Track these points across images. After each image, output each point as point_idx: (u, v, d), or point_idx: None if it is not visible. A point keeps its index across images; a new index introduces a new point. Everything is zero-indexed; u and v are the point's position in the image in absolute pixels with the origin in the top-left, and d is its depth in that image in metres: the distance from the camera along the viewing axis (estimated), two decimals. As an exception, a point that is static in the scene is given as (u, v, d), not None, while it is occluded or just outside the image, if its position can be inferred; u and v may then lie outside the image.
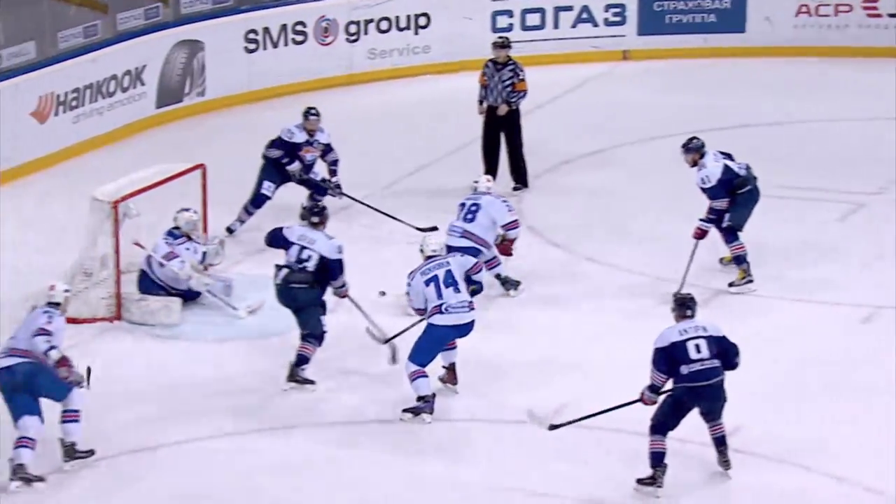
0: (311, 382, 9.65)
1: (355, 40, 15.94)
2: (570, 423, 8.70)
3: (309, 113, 11.93)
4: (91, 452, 8.79)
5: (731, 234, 10.76)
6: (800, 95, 15.42)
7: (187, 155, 12.21)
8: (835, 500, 8.51)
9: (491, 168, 12.92)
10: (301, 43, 15.65)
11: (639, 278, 11.20)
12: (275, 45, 15.53)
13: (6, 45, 13.37)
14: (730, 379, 8.54)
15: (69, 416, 8.71)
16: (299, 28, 15.65)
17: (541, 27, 16.45)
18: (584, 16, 16.53)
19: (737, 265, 10.80)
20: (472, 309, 9.34)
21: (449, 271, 9.32)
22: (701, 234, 10.72)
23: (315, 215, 9.77)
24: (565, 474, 8.63)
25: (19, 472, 8.52)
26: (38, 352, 8.62)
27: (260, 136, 14.39)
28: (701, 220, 10.73)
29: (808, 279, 11.15)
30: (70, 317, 10.25)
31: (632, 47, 16.67)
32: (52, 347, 8.63)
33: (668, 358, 8.37)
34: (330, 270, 9.59)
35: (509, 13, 16.31)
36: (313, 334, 9.63)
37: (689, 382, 8.38)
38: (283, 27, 15.55)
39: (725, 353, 8.45)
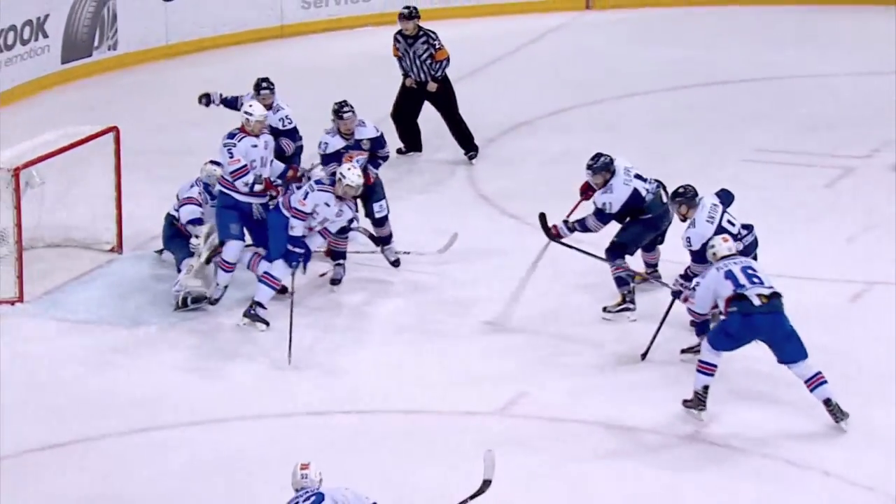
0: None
1: (288, -13, 15.85)
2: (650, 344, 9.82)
3: (341, 111, 11.06)
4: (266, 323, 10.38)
5: (615, 252, 10.43)
6: (785, 47, 15.66)
7: (98, 116, 12.34)
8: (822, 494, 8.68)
9: (413, 141, 12.94)
10: (226, -10, 15.48)
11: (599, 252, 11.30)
12: (196, -8, 15.42)
13: None
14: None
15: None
16: (224, -27, 15.67)
17: (494, -28, 16.50)
18: (543, -42, 16.70)
19: (616, 286, 10.47)
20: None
21: None
22: (557, 235, 10.52)
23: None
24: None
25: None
26: None
27: (179, 96, 14.44)
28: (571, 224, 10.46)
29: (792, 252, 11.24)
30: None
31: (596, -5, 16.61)
32: None
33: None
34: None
35: (458, -45, 16.45)
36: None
37: None
38: (206, -29, 15.51)
39: None
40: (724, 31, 16.11)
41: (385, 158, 11.17)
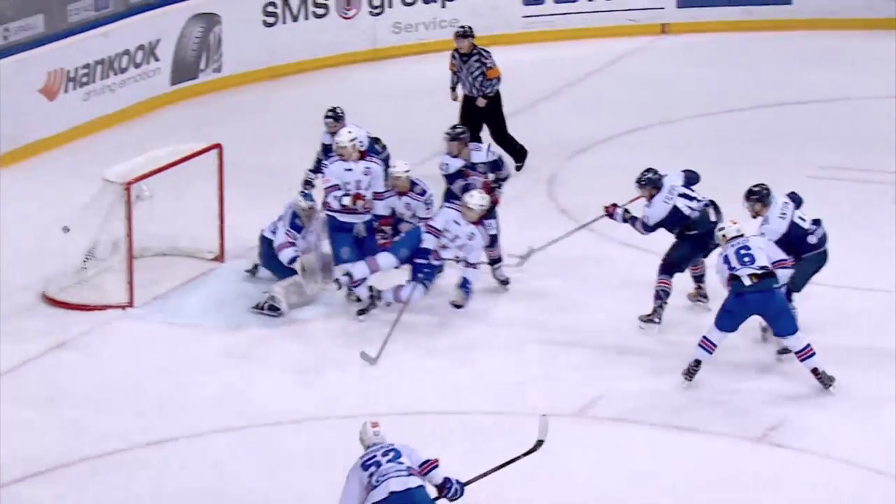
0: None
1: (379, 13, 16.02)
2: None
3: (447, 135, 11.05)
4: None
5: (665, 270, 10.40)
6: (848, 70, 15.45)
7: (203, 134, 12.29)
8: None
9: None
10: (322, 16, 15.77)
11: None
12: (294, 19, 15.63)
13: (14, 19, 13.53)
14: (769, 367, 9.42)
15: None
16: (320, 0, 15.71)
17: (574, -1, 16.45)
18: (621, -13, 16.68)
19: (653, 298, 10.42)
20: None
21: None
22: (611, 213, 10.56)
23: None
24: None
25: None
26: None
27: (279, 115, 14.50)
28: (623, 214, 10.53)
29: (859, 264, 11.10)
30: (79, 304, 10.70)
31: (671, 20, 16.78)
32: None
33: None
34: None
35: (542, -16, 16.47)
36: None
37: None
38: (304, -1, 15.62)
39: None
40: (789, 54, 15.90)
41: (504, 179, 11.12)
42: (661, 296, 10.39)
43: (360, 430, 7.67)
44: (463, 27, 13.08)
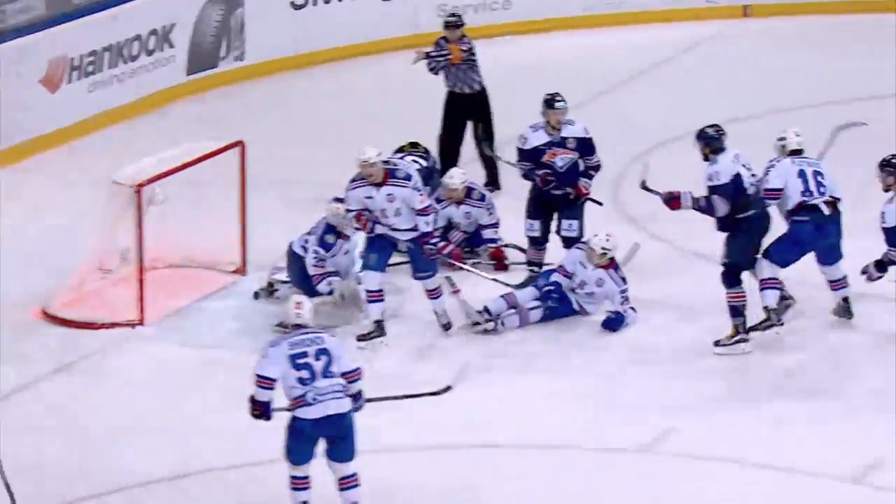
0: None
1: (423, -6, 15.96)
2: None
3: (553, 101, 10.93)
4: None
5: (728, 278, 10.25)
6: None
7: (223, 131, 12.35)
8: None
9: (451, 162, 12.63)
10: (358, -3, 15.65)
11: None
12: (327, 1, 15.69)
13: (11, 0, 13.61)
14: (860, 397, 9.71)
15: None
16: (357, -20, 15.83)
17: (647, -21, 16.65)
18: (698, -35, 16.74)
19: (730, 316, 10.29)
20: None
21: None
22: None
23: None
24: None
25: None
26: None
27: (308, 109, 14.54)
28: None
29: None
30: (84, 321, 10.82)
31: (754, 2, 16.85)
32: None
33: None
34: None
35: (608, -37, 16.56)
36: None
37: None
38: (337, -22, 15.66)
39: None
40: (887, 39, 15.85)
41: (596, 169, 11.04)
42: (738, 311, 10.18)
43: (283, 308, 8.37)
44: (454, 16, 12.89)
